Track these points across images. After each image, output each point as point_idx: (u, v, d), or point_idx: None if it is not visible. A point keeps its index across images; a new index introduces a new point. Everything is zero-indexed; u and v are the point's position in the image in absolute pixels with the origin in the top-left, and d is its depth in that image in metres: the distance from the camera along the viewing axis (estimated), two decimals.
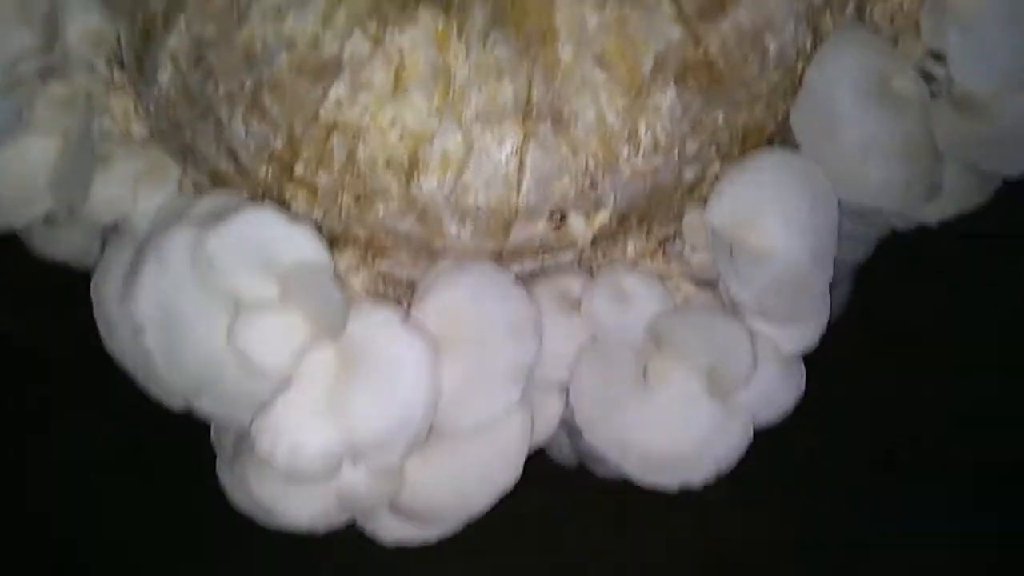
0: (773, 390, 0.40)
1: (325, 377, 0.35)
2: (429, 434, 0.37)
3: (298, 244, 0.35)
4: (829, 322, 0.45)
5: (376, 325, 0.35)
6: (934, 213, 0.43)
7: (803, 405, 0.49)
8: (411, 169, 0.37)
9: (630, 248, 0.41)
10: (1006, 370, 0.56)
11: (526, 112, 0.37)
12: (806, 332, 0.40)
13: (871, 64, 0.39)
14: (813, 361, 0.43)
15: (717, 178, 0.40)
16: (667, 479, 0.39)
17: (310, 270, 0.35)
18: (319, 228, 0.37)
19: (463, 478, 0.38)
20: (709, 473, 0.39)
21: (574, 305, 0.40)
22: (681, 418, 0.40)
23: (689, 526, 0.52)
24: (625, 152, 0.37)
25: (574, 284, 0.40)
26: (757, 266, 0.38)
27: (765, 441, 0.42)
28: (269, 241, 0.35)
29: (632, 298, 0.40)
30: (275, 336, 0.35)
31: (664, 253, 0.42)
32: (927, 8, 0.39)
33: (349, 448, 0.34)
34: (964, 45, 0.38)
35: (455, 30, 0.37)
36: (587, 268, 0.41)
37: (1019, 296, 0.57)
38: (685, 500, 0.41)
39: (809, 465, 0.54)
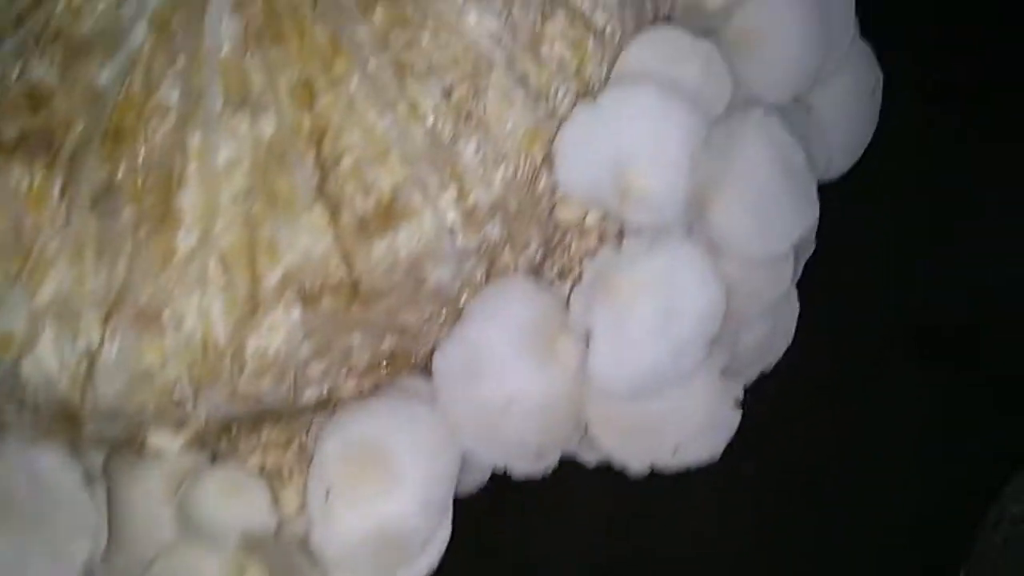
0: None
1: None
2: None
3: None
4: None
5: None
6: (588, 460, 0.41)
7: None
8: None
9: (262, 435, 0.37)
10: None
11: (115, 305, 0.32)
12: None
13: (533, 317, 0.36)
14: None
15: (356, 395, 0.36)
16: None
17: None
18: None
19: None
20: None
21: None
22: None
23: None
24: (226, 371, 0.33)
25: (188, 468, 0.36)
26: (354, 517, 0.35)
27: None
28: None
29: (236, 495, 0.37)
30: None
31: (301, 447, 0.38)
32: (581, 284, 0.35)
33: None
34: (606, 336, 0.34)
35: (56, 191, 0.31)
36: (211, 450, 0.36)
37: None
38: None
39: None
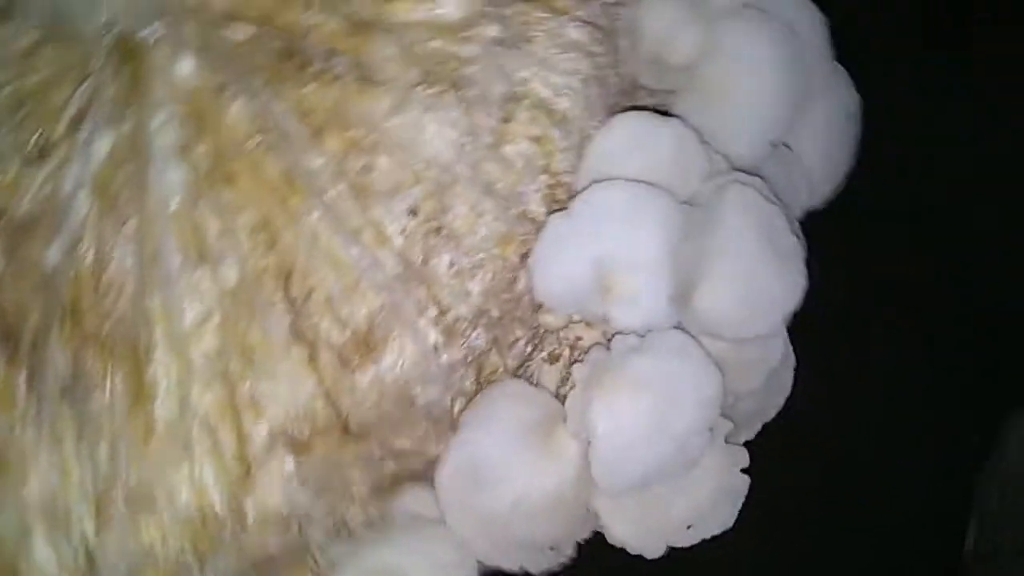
0: None
1: None
2: None
3: None
4: None
5: None
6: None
7: None
8: None
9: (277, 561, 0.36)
10: None
11: (104, 491, 0.31)
12: None
13: (527, 416, 0.34)
14: None
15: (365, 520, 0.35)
16: None
17: None
18: None
19: None
20: None
21: None
22: None
23: None
24: (229, 534, 0.32)
25: None
26: None
27: None
28: None
29: None
30: None
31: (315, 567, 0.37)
32: (577, 389, 0.33)
33: None
34: (606, 440, 0.33)
35: (21, 385, 0.30)
36: None
37: None
38: None
39: None
